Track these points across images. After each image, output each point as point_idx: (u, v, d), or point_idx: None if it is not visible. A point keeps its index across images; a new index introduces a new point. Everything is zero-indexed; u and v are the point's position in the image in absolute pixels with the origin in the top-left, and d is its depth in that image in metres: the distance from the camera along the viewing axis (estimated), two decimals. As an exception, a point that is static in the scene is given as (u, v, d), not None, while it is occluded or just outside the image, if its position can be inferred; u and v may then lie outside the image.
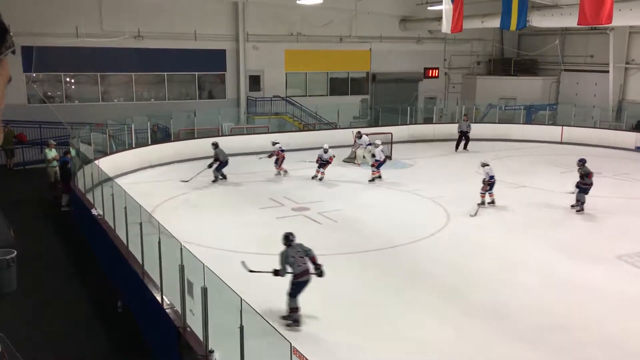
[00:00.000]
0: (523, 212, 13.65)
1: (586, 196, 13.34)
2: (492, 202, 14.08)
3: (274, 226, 12.58)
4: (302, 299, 8.85)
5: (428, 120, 25.44)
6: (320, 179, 16.79)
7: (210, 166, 16.39)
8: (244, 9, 23.75)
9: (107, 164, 15.39)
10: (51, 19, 20.33)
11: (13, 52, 1.41)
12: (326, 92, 26.82)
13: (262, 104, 24.45)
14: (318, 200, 14.46)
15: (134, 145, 18.29)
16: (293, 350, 4.59)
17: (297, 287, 7.62)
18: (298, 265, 7.63)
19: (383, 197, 15.13)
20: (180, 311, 6.85)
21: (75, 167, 14.38)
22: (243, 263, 7.99)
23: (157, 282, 7.64)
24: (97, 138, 17.12)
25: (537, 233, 12.18)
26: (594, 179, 13.31)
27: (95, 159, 15.28)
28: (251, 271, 6.86)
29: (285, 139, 21.68)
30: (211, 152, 16.79)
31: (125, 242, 9.34)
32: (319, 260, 7.87)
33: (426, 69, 28.70)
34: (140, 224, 8.29)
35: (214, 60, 23.88)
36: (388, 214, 13.59)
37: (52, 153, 15.78)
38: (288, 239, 7.95)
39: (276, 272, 7.73)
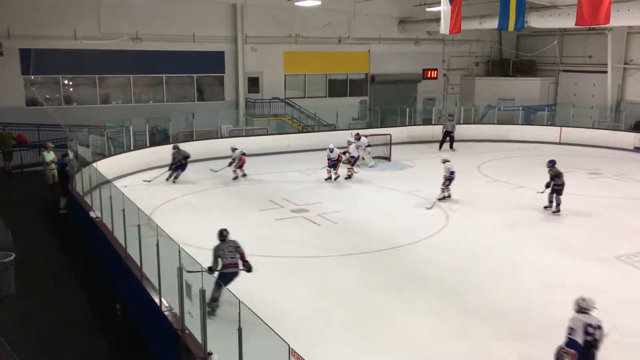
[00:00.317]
0: (522, 213, 13.65)
1: (561, 197, 13.36)
2: (449, 196, 14.53)
3: (273, 228, 12.59)
4: (301, 299, 8.85)
5: (427, 121, 25.45)
6: (336, 179, 16.85)
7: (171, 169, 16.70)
8: (242, 10, 23.75)
9: (106, 167, 15.38)
10: (49, 21, 20.33)
11: None
12: (325, 93, 26.84)
13: (261, 105, 24.45)
14: (317, 202, 14.45)
15: (132, 148, 18.28)
16: (291, 352, 4.58)
17: (222, 278, 7.82)
18: (225, 257, 8.06)
19: (382, 198, 15.13)
20: (178, 313, 6.83)
21: (74, 170, 14.36)
22: (182, 265, 7.70)
23: (156, 284, 7.62)
24: (95, 140, 17.11)
25: (536, 233, 12.18)
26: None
27: (94, 161, 15.27)
28: (188, 272, 6.86)
29: (285, 141, 21.79)
30: (210, 154, 16.80)
31: (123, 244, 9.32)
32: (248, 257, 8.30)
33: (425, 70, 28.73)
34: (139, 226, 8.27)
35: (213, 62, 23.88)
36: (387, 215, 13.58)
37: (50, 156, 15.75)
38: (222, 234, 8.40)
39: (210, 269, 7.84)
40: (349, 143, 17.80)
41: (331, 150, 17.05)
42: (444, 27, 21.23)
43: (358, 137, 18.88)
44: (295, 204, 14.29)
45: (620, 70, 25.21)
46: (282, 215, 13.47)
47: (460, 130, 23.78)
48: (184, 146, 19.65)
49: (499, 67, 29.67)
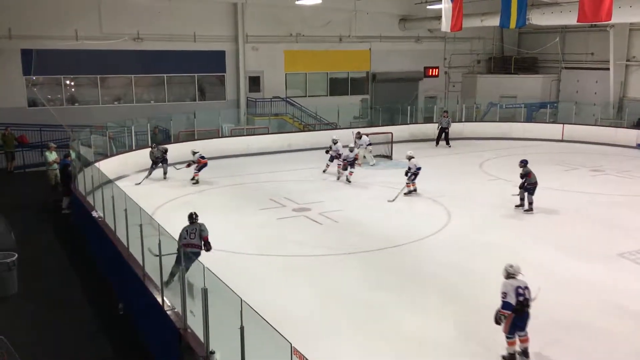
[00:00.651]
0: (525, 211, 13.60)
1: (533, 197, 13.35)
2: (415, 190, 14.90)
3: (275, 227, 12.59)
4: (302, 298, 8.85)
5: (428, 120, 25.41)
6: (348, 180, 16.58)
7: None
8: (243, 10, 23.75)
9: (108, 166, 15.40)
10: (51, 22, 20.36)
11: None
12: (326, 92, 26.82)
13: (262, 104, 24.45)
14: (319, 201, 14.44)
15: (134, 147, 18.30)
16: (293, 351, 4.57)
17: (182, 255, 8.01)
18: (184, 237, 8.82)
19: (383, 197, 15.10)
20: (181, 312, 6.84)
21: (76, 170, 14.38)
22: (149, 250, 7.91)
23: (158, 283, 7.62)
24: (97, 140, 17.13)
25: (539, 231, 12.16)
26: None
27: (96, 161, 15.29)
28: (157, 255, 7.38)
29: (286, 140, 21.79)
30: (212, 153, 16.74)
31: (125, 244, 9.33)
32: (211, 240, 9.04)
33: (426, 68, 28.69)
34: (141, 226, 8.27)
35: (214, 61, 23.88)
36: (389, 214, 13.57)
37: (52, 156, 15.78)
38: (191, 217, 9.20)
39: (177, 250, 8.04)
40: (334, 142, 17.68)
41: (334, 142, 17.17)
42: (445, 25, 21.21)
43: (359, 136, 18.88)
44: (297, 203, 14.29)
45: (623, 67, 25.14)
46: (283, 214, 13.47)
47: (462, 128, 23.78)
48: (185, 145, 19.73)
49: (501, 64, 29.60)
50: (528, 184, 13.34)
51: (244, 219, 13.09)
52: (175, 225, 11.40)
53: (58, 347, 8.11)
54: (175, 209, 14.00)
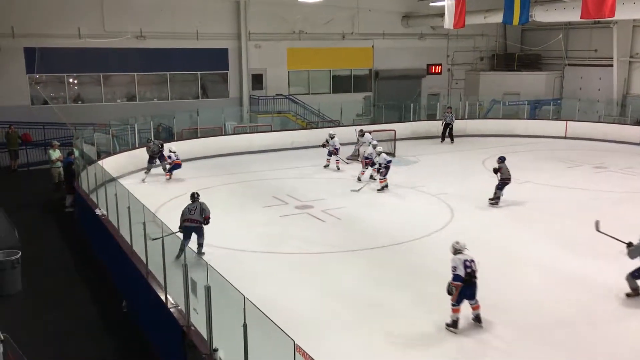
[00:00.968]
0: (528, 208, 13.60)
1: (501, 192, 13.60)
2: (387, 186, 15.12)
3: (278, 224, 12.59)
4: (305, 295, 8.87)
5: (431, 117, 25.36)
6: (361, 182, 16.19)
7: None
8: (245, 7, 23.74)
9: (111, 164, 15.43)
10: (53, 20, 20.39)
11: None
12: (329, 89, 26.80)
13: (265, 102, 24.44)
14: (321, 198, 14.45)
15: (137, 145, 18.32)
16: (296, 348, 4.58)
17: (183, 230, 9.87)
18: (186, 214, 10.02)
19: (387, 195, 15.10)
20: (184, 310, 6.86)
21: (79, 168, 14.41)
22: (149, 235, 8.44)
23: (161, 281, 7.64)
24: (100, 138, 17.15)
25: (542, 228, 12.13)
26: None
27: (99, 159, 15.31)
28: (154, 239, 8.31)
29: (289, 138, 21.80)
30: (215, 151, 16.75)
31: (129, 242, 9.35)
32: (210, 218, 10.24)
33: (429, 66, 28.62)
34: (144, 224, 8.29)
35: (216, 59, 23.89)
36: (392, 211, 13.56)
37: (55, 154, 15.81)
38: (193, 196, 10.34)
39: (179, 228, 9.69)
40: (331, 137, 17.86)
41: (331, 137, 17.30)
42: (448, 22, 21.19)
43: (362, 134, 18.87)
44: (300, 201, 14.29)
45: (626, 64, 25.05)
46: (286, 211, 13.48)
47: (465, 126, 23.73)
48: (188, 143, 19.78)
49: (504, 61, 29.50)
50: (500, 179, 13.56)
51: (247, 217, 13.09)
52: (179, 223, 11.46)
53: (62, 345, 8.13)
54: (179, 207, 14.00)
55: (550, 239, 11.39)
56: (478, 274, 7.65)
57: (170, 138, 20.01)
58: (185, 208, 10.20)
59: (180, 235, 9.51)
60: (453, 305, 7.70)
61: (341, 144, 18.05)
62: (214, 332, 6.04)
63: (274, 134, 22.04)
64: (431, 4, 23.87)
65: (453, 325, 7.71)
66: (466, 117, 24.80)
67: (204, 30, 23.01)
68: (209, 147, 20.05)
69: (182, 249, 8.50)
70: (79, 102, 22.04)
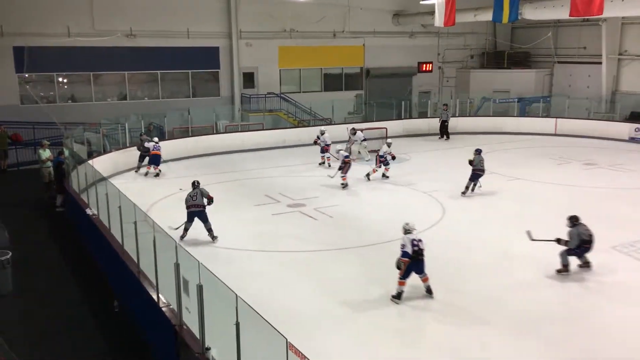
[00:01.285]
0: (518, 204, 13.69)
1: (472, 183, 14.34)
2: (347, 184, 15.35)
3: (270, 223, 12.60)
4: (298, 293, 8.89)
5: (423, 115, 25.46)
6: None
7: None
8: (236, 6, 23.67)
9: (102, 164, 15.36)
10: (42, 19, 20.23)
11: None
12: (320, 88, 26.80)
13: (257, 101, 24.40)
14: (313, 197, 14.47)
15: (128, 145, 18.25)
16: (289, 346, 4.60)
17: (188, 214, 11.03)
18: (189, 201, 10.99)
19: (378, 192, 15.15)
20: (176, 309, 6.86)
21: (69, 167, 14.34)
22: (169, 227, 9.98)
23: (153, 280, 7.63)
24: (91, 138, 17.07)
25: (531, 225, 12.17)
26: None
27: (90, 158, 15.24)
28: (176, 228, 10.89)
29: (280, 136, 21.81)
30: (206, 150, 16.71)
31: (120, 241, 9.33)
32: (214, 197, 11.28)
33: (420, 64, 28.70)
34: (135, 223, 8.28)
35: (207, 57, 23.81)
36: (384, 209, 13.60)
37: (46, 153, 15.71)
38: (194, 184, 11.26)
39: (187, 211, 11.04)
40: (322, 132, 18.07)
41: (322, 133, 17.41)
42: (439, 20, 21.26)
43: (354, 132, 18.91)
44: (292, 199, 14.31)
45: (615, 61, 25.25)
46: (278, 210, 13.49)
47: (456, 123, 23.83)
48: (179, 142, 19.75)
49: (494, 59, 29.67)
50: (472, 170, 14.24)
51: (240, 215, 13.09)
52: (171, 221, 11.45)
53: (54, 344, 8.10)
54: (171, 206, 14.00)
55: (541, 235, 11.46)
56: (426, 252, 8.55)
57: (162, 137, 19.94)
58: (187, 196, 11.07)
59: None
60: (400, 278, 8.50)
61: (333, 142, 18.11)
62: (207, 331, 6.04)
63: (265, 133, 22.03)
64: (422, 2, 23.93)
65: (397, 296, 8.51)
66: (457, 114, 24.90)
67: (194, 28, 22.92)
68: (201, 145, 20.02)
69: (187, 229, 11.02)
70: (69, 101, 21.89)
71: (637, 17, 23.50)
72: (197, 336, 6.20)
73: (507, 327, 7.83)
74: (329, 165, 17.84)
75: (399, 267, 8.52)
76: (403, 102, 24.48)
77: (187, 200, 11.02)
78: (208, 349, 6.03)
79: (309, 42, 25.44)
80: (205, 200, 10.97)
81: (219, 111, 22.89)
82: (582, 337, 7.63)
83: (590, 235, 9.42)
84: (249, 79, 24.83)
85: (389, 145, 16.40)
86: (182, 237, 10.85)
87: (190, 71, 23.81)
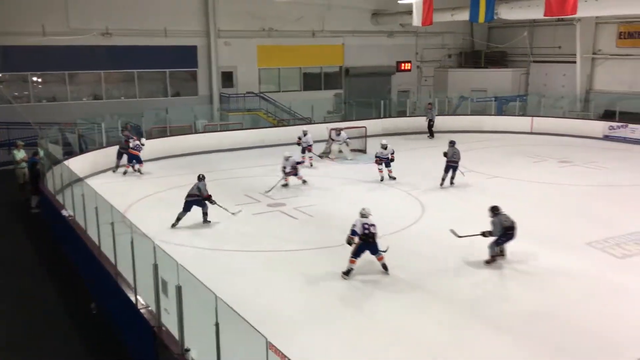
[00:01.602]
0: (496, 202, 13.80)
1: (447, 174, 15.06)
2: (287, 184, 15.35)
3: (250, 223, 12.55)
4: (280, 293, 8.88)
5: (401, 114, 25.62)
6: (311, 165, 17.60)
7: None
8: (214, 4, 23.51)
9: (78, 164, 15.13)
10: (16, 17, 19.83)
11: None
12: (300, 87, 26.77)
13: (236, 100, 24.26)
14: (293, 196, 14.45)
15: (104, 145, 18.00)
16: (269, 346, 4.59)
17: (184, 204, 11.92)
18: (190, 191, 11.91)
19: (358, 191, 15.19)
20: (155, 310, 6.78)
21: (45, 168, 14.09)
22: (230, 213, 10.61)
23: (131, 282, 7.54)
24: (66, 138, 16.79)
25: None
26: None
27: (65, 159, 14.99)
28: (234, 213, 12.09)
29: (260, 136, 21.73)
30: (185, 150, 16.54)
31: (97, 242, 9.20)
32: (211, 197, 12.12)
33: (398, 63, 28.87)
34: (112, 224, 8.17)
35: (185, 56, 23.59)
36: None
37: (20, 154, 15.42)
38: (199, 177, 12.09)
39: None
40: (304, 133, 18.13)
41: (305, 134, 17.60)
42: (417, 20, 21.42)
43: (338, 133, 18.96)
44: (272, 198, 14.27)
45: (589, 60, 25.72)
46: (259, 209, 13.44)
47: (435, 122, 24.02)
48: (157, 142, 19.56)
49: (471, 58, 29.99)
50: (447, 161, 14.90)
51: (220, 215, 13.00)
52: (150, 222, 11.33)
53: (31, 347, 7.96)
54: (150, 206, 13.86)
55: (519, 232, 11.61)
56: (377, 237, 9.21)
57: (139, 137, 19.70)
58: (191, 188, 12.08)
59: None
60: (351, 257, 9.19)
61: (314, 141, 18.13)
62: (186, 332, 5.99)
63: (245, 132, 21.93)
64: (400, 2, 24.02)
65: (347, 273, 9.20)
66: (435, 113, 25.08)
67: (172, 27, 22.70)
68: (179, 145, 19.84)
69: (179, 218, 11.89)
70: (44, 101, 21.50)
71: (610, 17, 23.97)
72: (177, 337, 6.15)
73: (485, 323, 7.90)
74: (311, 165, 17.84)
75: (349, 244, 9.23)
76: (382, 101, 24.61)
77: (190, 191, 11.98)
78: (187, 350, 5.98)
79: (288, 42, 25.39)
80: (199, 192, 11.79)
81: (198, 111, 22.71)
82: (559, 333, 7.72)
83: (512, 222, 9.82)
84: (227, 78, 24.68)
85: (384, 147, 16.13)
86: (173, 225, 11.85)
87: (167, 70, 23.58)
